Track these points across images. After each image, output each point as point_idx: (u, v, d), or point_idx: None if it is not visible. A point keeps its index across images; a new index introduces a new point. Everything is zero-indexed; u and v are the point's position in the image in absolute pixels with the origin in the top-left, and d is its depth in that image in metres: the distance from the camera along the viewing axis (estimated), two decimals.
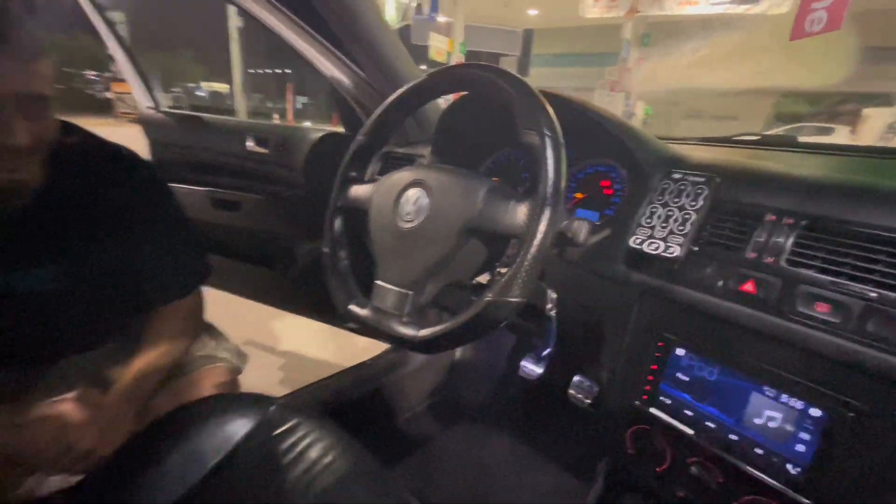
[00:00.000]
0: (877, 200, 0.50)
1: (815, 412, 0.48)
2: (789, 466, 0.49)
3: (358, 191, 0.67)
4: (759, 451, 0.51)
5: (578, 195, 0.78)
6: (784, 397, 0.50)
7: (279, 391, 1.09)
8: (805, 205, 0.53)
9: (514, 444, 1.14)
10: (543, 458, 1.09)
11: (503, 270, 0.50)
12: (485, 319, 0.50)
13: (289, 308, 1.49)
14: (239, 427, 0.63)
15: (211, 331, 0.97)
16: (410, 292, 0.56)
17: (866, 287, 0.46)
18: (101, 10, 1.38)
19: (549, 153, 0.50)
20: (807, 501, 0.48)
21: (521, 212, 0.51)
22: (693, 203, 0.59)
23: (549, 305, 0.60)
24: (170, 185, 0.85)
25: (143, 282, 0.80)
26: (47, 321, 0.74)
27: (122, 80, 1.60)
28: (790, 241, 0.51)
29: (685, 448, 0.57)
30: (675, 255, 0.56)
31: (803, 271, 0.50)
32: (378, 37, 0.95)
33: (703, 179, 0.59)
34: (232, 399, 0.71)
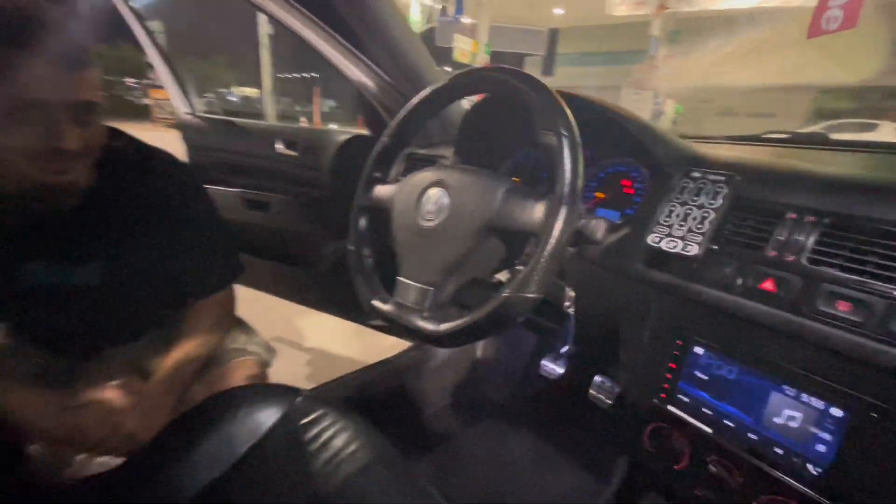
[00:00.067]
0: None
1: (836, 412, 0.47)
2: (810, 466, 0.49)
3: (381, 191, 0.70)
4: (779, 451, 0.51)
5: (599, 194, 0.78)
6: (804, 397, 0.50)
7: (305, 385, 1.12)
8: (828, 202, 0.52)
9: (533, 442, 1.14)
10: (563, 457, 1.09)
11: (521, 268, 0.51)
12: (502, 314, 0.51)
13: (316, 306, 1.53)
14: (268, 416, 0.66)
15: (242, 326, 1.01)
16: (431, 288, 0.58)
17: (890, 286, 0.45)
18: (141, 19, 1.45)
19: (566, 153, 0.51)
20: (827, 502, 0.47)
21: (538, 210, 0.52)
22: (712, 202, 0.58)
23: (566, 303, 0.61)
24: (205, 186, 0.90)
25: (181, 277, 0.85)
26: (95, 314, 0.79)
27: (160, 87, 1.67)
28: (812, 239, 0.51)
29: (704, 447, 0.57)
30: (692, 253, 0.56)
31: (825, 269, 0.49)
32: (401, 40, 0.97)
33: (722, 178, 0.59)
34: (262, 389, 0.74)
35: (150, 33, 1.48)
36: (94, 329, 0.83)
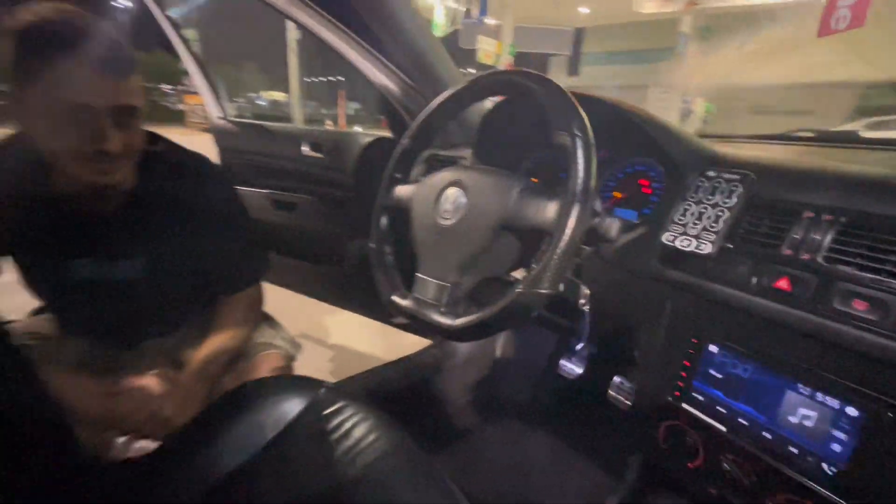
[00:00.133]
0: None
1: (851, 411, 0.47)
2: (824, 466, 0.49)
3: (402, 191, 0.72)
4: (794, 450, 0.51)
5: (617, 194, 0.79)
6: (819, 395, 0.49)
7: (328, 380, 1.16)
8: (845, 200, 0.52)
9: (551, 442, 1.15)
10: (580, 456, 1.10)
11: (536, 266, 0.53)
12: (515, 310, 0.53)
13: (340, 303, 1.57)
14: (293, 405, 0.69)
15: (269, 321, 1.05)
16: (448, 284, 0.60)
17: None
18: (177, 28, 1.51)
19: (580, 153, 0.52)
20: (842, 502, 0.47)
21: (551, 209, 0.54)
22: (727, 200, 0.59)
23: (581, 301, 0.62)
24: (236, 187, 0.95)
25: (213, 274, 0.90)
26: (135, 308, 0.84)
27: (194, 93, 1.75)
28: (828, 237, 0.50)
29: (718, 445, 0.57)
30: (706, 251, 0.57)
31: (841, 268, 0.49)
32: (422, 44, 1.00)
33: (737, 177, 0.59)
34: (287, 380, 0.78)
35: (185, 41, 1.54)
36: (135, 322, 0.88)
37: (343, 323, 2.09)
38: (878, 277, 0.46)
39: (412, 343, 1.41)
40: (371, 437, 0.66)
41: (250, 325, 0.94)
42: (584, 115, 0.54)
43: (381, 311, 1.34)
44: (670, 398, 0.61)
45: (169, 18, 1.47)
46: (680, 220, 0.61)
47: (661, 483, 0.73)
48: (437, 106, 0.71)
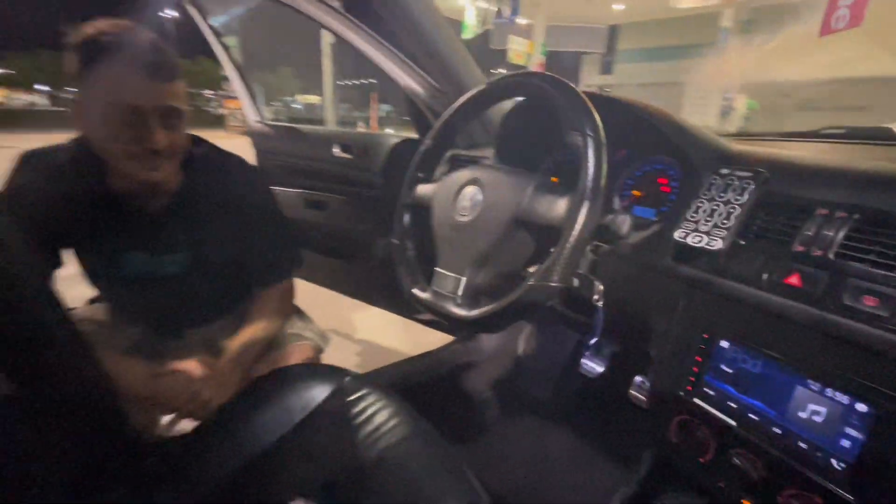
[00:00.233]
0: None
1: (861, 407, 0.47)
2: (833, 461, 0.49)
3: (423, 189, 0.76)
4: (803, 445, 0.51)
5: (636, 192, 0.80)
6: (829, 391, 0.49)
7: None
8: (861, 197, 0.52)
9: (570, 438, 1.16)
10: (599, 452, 1.10)
11: None
12: (527, 301, 0.55)
13: (367, 299, 1.63)
14: (319, 392, 0.73)
15: (300, 314, 1.11)
16: (464, 278, 0.64)
17: None
18: (219, 36, 1.60)
19: (590, 152, 0.55)
20: (851, 498, 0.47)
21: (561, 205, 0.56)
22: (738, 198, 0.59)
23: (595, 296, 0.64)
24: (271, 187, 1.01)
25: (249, 268, 0.96)
26: (179, 299, 0.91)
27: (234, 98, 1.83)
28: (840, 234, 0.51)
29: (728, 440, 0.57)
30: (716, 247, 0.57)
31: (852, 264, 0.49)
32: (446, 48, 1.03)
33: (749, 174, 0.60)
34: (315, 368, 0.83)
35: (226, 48, 1.63)
36: (178, 313, 0.95)
37: (370, 319, 2.15)
38: (889, 274, 0.46)
39: (437, 340, 1.44)
40: (392, 423, 0.69)
41: (282, 316, 1.00)
42: (595, 115, 0.56)
43: (406, 306, 1.38)
44: (682, 393, 0.62)
45: (211, 27, 1.56)
46: (692, 216, 0.62)
47: (671, 477, 0.74)
48: (457, 108, 0.74)
